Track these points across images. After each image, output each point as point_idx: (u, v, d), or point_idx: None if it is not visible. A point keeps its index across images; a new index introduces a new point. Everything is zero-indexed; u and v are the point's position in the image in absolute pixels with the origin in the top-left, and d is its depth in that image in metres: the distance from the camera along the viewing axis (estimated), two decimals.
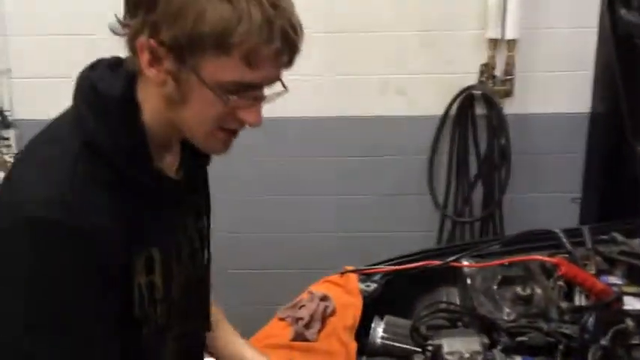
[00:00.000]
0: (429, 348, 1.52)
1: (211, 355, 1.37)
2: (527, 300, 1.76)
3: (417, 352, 1.60)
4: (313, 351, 1.64)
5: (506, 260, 1.79)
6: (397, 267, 1.97)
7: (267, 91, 0.97)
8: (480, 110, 3.17)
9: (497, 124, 3.15)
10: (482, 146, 3.22)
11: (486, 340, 1.49)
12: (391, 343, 1.64)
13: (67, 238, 0.87)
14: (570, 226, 1.99)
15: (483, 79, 3.11)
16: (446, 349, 1.44)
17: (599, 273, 1.78)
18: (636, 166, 2.27)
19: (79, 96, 0.97)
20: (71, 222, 0.87)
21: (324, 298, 1.83)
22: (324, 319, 1.77)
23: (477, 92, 3.13)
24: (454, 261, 1.93)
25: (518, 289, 1.78)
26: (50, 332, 0.87)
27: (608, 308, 1.56)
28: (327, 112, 3.17)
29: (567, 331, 1.62)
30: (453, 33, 3.02)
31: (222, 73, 0.90)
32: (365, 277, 1.99)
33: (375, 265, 2.02)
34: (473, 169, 3.30)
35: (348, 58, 3.11)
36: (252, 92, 0.94)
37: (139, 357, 1.00)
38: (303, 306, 1.80)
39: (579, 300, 1.72)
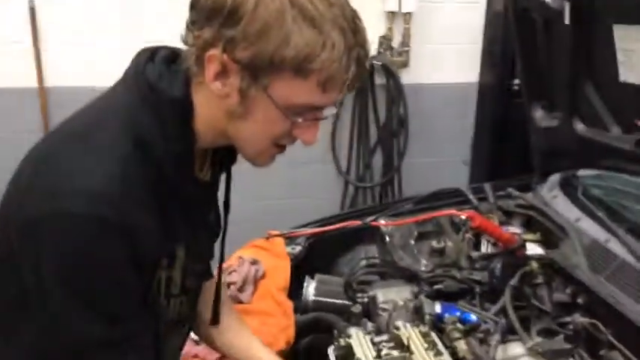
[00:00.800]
0: (364, 300, 1.63)
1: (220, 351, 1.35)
2: (441, 252, 1.93)
3: (351, 305, 1.70)
4: (250, 313, 1.68)
5: (424, 217, 1.94)
6: (320, 229, 2.05)
7: None
8: (379, 80, 3.32)
9: (396, 93, 3.32)
10: (382, 114, 3.38)
11: (415, 289, 1.62)
12: (324, 299, 1.73)
13: (109, 234, 0.85)
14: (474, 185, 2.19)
15: (382, 50, 3.26)
16: (381, 298, 1.55)
17: (501, 224, 1.99)
18: (525, 130, 2.53)
19: (134, 89, 0.93)
20: (116, 219, 0.85)
21: (254, 262, 1.86)
22: (255, 282, 1.81)
23: (377, 63, 3.26)
24: (373, 221, 2.05)
25: (433, 243, 1.94)
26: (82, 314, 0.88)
27: (514, 254, 1.76)
28: None
29: (477, 277, 1.80)
30: (353, 5, 3.11)
31: (295, 95, 0.89)
32: (289, 240, 2.05)
33: (298, 228, 2.09)
34: (373, 136, 3.46)
35: None
36: (316, 113, 0.93)
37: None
38: (234, 271, 1.83)
39: (486, 249, 1.92)
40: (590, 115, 1.79)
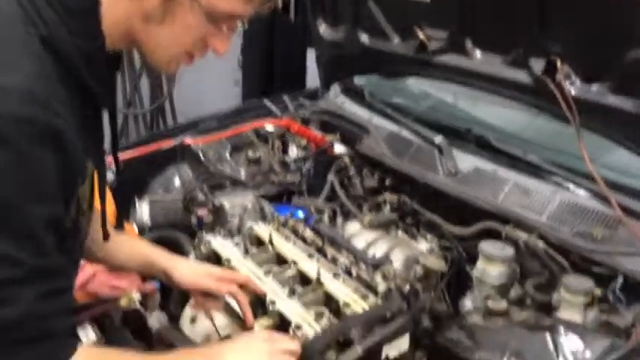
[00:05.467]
0: (205, 211, 1.67)
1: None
2: (256, 161, 2.05)
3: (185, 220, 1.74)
4: None
5: (242, 129, 2.02)
6: (131, 154, 1.97)
7: None
8: None
9: None
10: None
11: (256, 193, 1.72)
12: (161, 219, 1.72)
13: (38, 136, 0.76)
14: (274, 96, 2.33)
15: None
16: (228, 205, 1.62)
17: None
18: (292, 46, 2.70)
19: None
20: (44, 119, 0.77)
21: None
22: None
23: None
24: (183, 140, 2.06)
25: (249, 153, 2.05)
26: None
27: (326, 153, 1.98)
28: None
29: (291, 180, 2.00)
30: None
31: (220, 3, 0.89)
32: None
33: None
34: (138, 60, 3.32)
35: None
36: (233, 22, 0.93)
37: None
38: None
39: (296, 153, 2.11)
40: (373, 26, 2.05)
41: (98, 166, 1.00)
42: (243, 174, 1.99)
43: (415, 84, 2.18)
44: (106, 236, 1.14)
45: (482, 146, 1.72)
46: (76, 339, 0.90)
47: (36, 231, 0.80)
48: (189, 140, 2.06)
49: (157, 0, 0.87)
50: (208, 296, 1.27)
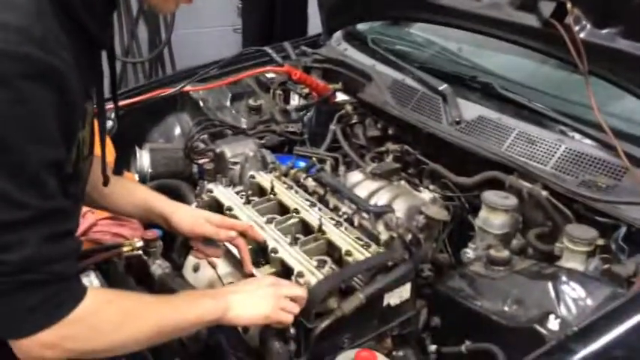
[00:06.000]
0: (206, 160, 1.66)
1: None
2: (257, 109, 2.02)
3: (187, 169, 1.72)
4: None
5: (240, 76, 1.98)
6: (130, 101, 1.94)
7: None
8: None
9: None
10: None
11: (257, 142, 1.70)
12: (162, 168, 1.70)
13: (34, 75, 0.74)
14: (274, 44, 2.27)
15: None
16: (229, 153, 1.60)
17: None
18: None
19: None
20: (39, 55, 0.74)
21: None
22: None
23: None
24: (182, 87, 2.02)
25: (250, 101, 2.02)
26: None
27: (328, 101, 1.94)
28: None
29: (293, 129, 1.97)
30: None
31: None
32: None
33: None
34: (135, 6, 3.24)
35: None
36: None
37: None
38: None
39: (297, 102, 2.08)
40: None
41: (99, 111, 0.98)
42: (244, 122, 1.97)
43: (419, 32, 2.12)
44: (105, 181, 1.13)
45: (488, 94, 1.69)
46: (83, 285, 0.90)
47: (38, 173, 0.79)
48: (189, 88, 2.02)
49: None
50: (209, 244, 1.27)
